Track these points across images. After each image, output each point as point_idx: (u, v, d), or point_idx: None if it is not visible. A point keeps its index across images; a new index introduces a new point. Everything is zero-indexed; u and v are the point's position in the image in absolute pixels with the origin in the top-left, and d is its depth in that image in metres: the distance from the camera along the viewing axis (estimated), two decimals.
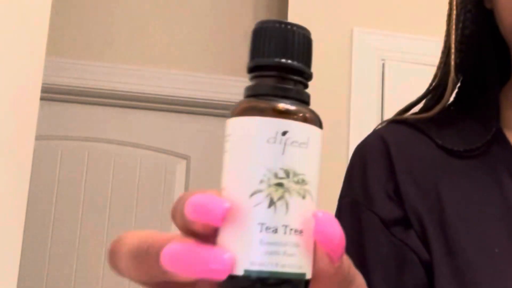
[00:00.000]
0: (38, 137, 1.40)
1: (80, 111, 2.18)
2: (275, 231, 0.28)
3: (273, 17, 2.22)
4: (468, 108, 0.62)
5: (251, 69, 0.31)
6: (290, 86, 0.30)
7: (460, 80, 0.62)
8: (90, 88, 2.13)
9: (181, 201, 0.29)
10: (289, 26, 0.30)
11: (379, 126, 0.64)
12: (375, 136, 0.62)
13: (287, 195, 0.28)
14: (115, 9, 2.21)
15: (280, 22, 0.30)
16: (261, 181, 0.28)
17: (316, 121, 0.30)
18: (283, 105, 0.29)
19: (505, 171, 0.56)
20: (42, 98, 1.31)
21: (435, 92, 0.62)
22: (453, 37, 0.60)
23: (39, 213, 2.05)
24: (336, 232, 0.28)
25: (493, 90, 0.61)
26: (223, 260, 0.27)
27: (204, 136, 2.20)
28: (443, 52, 0.62)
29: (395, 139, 0.60)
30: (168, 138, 2.19)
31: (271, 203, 0.28)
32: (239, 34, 2.22)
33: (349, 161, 0.62)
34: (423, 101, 0.64)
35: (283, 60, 0.30)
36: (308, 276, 0.29)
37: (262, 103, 0.29)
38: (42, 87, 1.30)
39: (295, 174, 0.28)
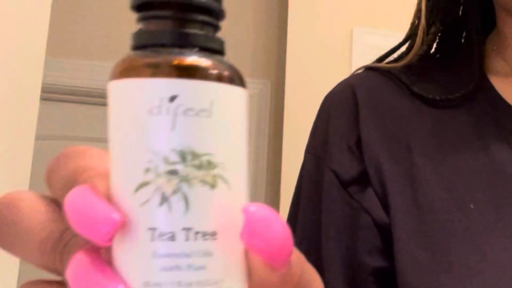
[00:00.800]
0: (38, 137, 1.40)
1: (80, 111, 2.18)
2: (172, 237, 0.20)
3: (274, 17, 2.22)
4: (450, 57, 0.58)
5: (137, 8, 0.22)
6: (189, 30, 0.21)
7: (440, 29, 0.58)
8: (90, 88, 2.13)
9: (63, 178, 0.23)
10: None
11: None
12: (343, 83, 0.57)
13: (185, 186, 0.20)
14: (115, 9, 2.21)
15: None
16: (147, 170, 0.20)
17: (226, 76, 0.21)
18: (172, 58, 0.21)
19: (491, 122, 0.51)
20: (42, 98, 1.31)
21: (410, 41, 0.58)
22: None
23: None
24: (276, 232, 0.21)
25: (476, 38, 0.57)
26: None
27: None
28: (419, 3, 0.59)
29: (365, 85, 0.55)
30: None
31: (163, 199, 0.20)
32: (239, 34, 2.21)
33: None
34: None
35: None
36: None
37: (143, 59, 0.21)
38: (42, 87, 1.30)
39: (195, 156, 0.20)
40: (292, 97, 1.95)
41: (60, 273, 0.23)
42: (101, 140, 2.42)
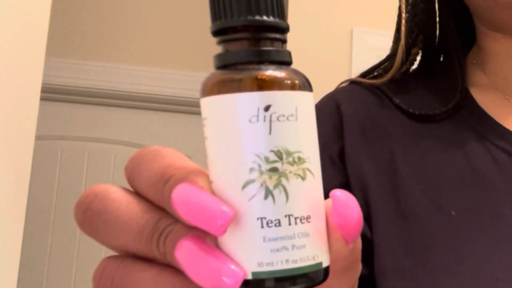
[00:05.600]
0: (38, 137, 1.41)
1: (80, 111, 2.18)
2: (278, 224, 0.24)
3: None
4: (433, 72, 0.59)
5: (216, 33, 0.26)
6: (265, 47, 0.25)
7: (422, 47, 0.59)
8: (90, 88, 2.13)
9: (160, 172, 0.25)
10: None
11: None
12: (327, 97, 0.58)
13: (284, 180, 0.24)
14: (115, 9, 2.21)
15: None
16: (251, 170, 0.24)
17: (303, 84, 0.26)
18: (258, 74, 0.24)
19: (472, 133, 0.53)
20: (42, 98, 1.31)
21: (391, 59, 0.59)
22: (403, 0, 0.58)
23: (39, 213, 2.05)
24: (355, 213, 0.26)
25: (457, 55, 0.58)
26: (234, 274, 0.24)
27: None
28: (397, 20, 0.60)
29: (348, 97, 0.57)
30: (168, 138, 2.19)
31: (268, 192, 0.24)
32: None
33: None
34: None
35: (252, 18, 0.25)
36: (326, 263, 0.26)
37: (233, 75, 0.25)
38: (42, 87, 1.30)
39: (289, 154, 0.24)
40: None
41: (154, 258, 0.26)
42: (101, 140, 2.41)
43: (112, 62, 2.16)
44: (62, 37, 2.10)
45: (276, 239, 0.24)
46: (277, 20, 0.25)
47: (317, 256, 0.25)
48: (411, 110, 0.54)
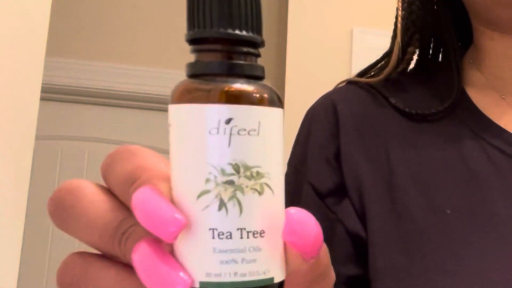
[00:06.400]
0: (38, 137, 1.41)
1: (80, 111, 2.18)
2: (230, 236, 0.24)
3: (274, 17, 2.22)
4: (429, 72, 0.60)
5: (190, 42, 0.26)
6: (236, 61, 0.25)
7: (418, 46, 0.59)
8: (90, 88, 2.14)
9: (128, 175, 0.26)
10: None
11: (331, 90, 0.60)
12: (324, 97, 0.59)
13: (239, 194, 0.24)
14: (115, 9, 2.21)
15: None
16: (207, 180, 0.24)
17: (271, 99, 0.25)
18: (224, 86, 0.25)
19: (468, 132, 0.53)
20: (42, 98, 1.31)
21: (387, 58, 0.60)
22: None
23: (39, 213, 2.05)
24: (311, 231, 0.26)
25: (454, 55, 0.58)
26: (182, 281, 0.24)
27: None
28: (395, 18, 0.60)
29: (345, 97, 0.57)
30: (168, 138, 2.19)
31: (221, 204, 0.24)
32: None
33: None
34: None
35: (225, 31, 0.25)
36: (278, 278, 0.25)
37: (200, 86, 0.25)
38: (42, 87, 1.30)
39: (247, 168, 0.24)
40: (292, 97, 1.96)
41: (117, 256, 0.26)
42: (101, 140, 2.41)
43: (112, 62, 2.16)
44: (62, 37, 2.10)
45: (226, 251, 0.24)
46: (251, 34, 0.25)
47: (268, 271, 0.25)
48: (407, 109, 0.54)
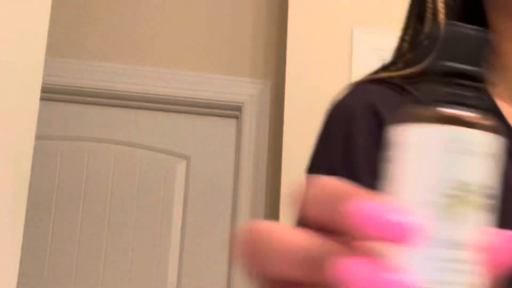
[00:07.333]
0: (38, 137, 1.41)
1: (80, 111, 2.18)
2: (448, 246, 0.27)
3: (273, 17, 2.22)
4: None
5: (445, 74, 0.29)
6: (471, 93, 0.29)
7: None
8: (90, 88, 2.14)
9: (333, 198, 0.26)
10: (480, 34, 0.29)
11: (349, 89, 0.58)
12: (357, 97, 0.56)
13: (461, 207, 0.27)
14: (114, 9, 2.21)
15: (471, 29, 0.29)
16: (436, 193, 0.27)
17: (497, 129, 0.29)
18: (464, 114, 0.28)
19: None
20: (42, 98, 1.31)
21: (409, 52, 0.58)
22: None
23: (39, 213, 2.05)
24: (507, 250, 0.27)
25: None
26: (409, 281, 0.24)
27: (204, 136, 2.20)
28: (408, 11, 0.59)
29: (382, 100, 0.54)
30: (168, 138, 2.19)
31: (445, 215, 0.27)
32: (239, 34, 2.22)
33: (322, 126, 0.56)
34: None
35: (466, 67, 0.29)
36: None
37: (442, 111, 0.28)
38: (42, 87, 1.30)
39: (472, 186, 0.27)
40: (292, 97, 1.96)
41: (311, 283, 0.26)
42: (101, 140, 2.41)
43: (112, 62, 2.16)
44: (62, 37, 2.10)
45: (443, 259, 0.26)
46: (482, 72, 0.29)
47: (476, 285, 0.27)
48: None
